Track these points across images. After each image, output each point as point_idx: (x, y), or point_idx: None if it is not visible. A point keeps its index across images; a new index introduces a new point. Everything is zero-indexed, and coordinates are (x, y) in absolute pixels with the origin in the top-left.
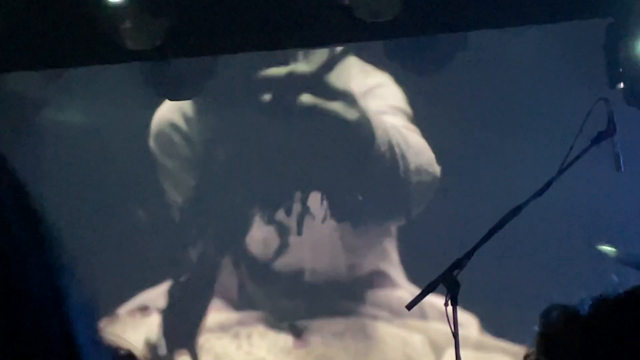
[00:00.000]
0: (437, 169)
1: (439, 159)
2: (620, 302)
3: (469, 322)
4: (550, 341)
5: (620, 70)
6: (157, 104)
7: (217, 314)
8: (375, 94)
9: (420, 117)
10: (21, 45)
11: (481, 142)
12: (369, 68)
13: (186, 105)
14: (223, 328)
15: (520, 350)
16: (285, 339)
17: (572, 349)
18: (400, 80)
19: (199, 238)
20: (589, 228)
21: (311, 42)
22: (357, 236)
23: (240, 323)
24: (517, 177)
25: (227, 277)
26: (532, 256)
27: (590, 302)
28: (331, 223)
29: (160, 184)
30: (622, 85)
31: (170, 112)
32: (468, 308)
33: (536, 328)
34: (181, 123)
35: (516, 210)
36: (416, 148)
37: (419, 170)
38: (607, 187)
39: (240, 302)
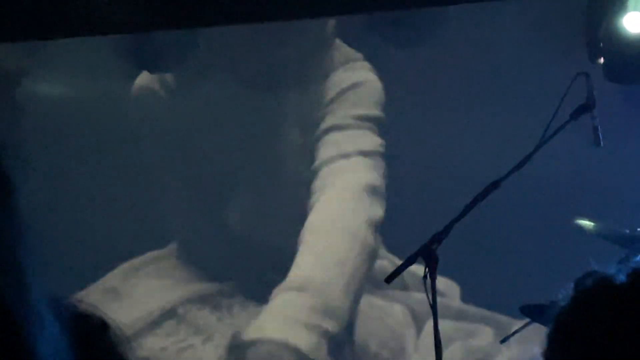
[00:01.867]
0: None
1: (419, 131)
2: None
3: (451, 291)
4: (583, 306)
5: (601, 45)
6: (137, 76)
7: (197, 284)
8: (349, 99)
9: (400, 92)
10: (0, 17)
11: (460, 115)
12: (352, 57)
13: (167, 76)
14: (203, 299)
15: (501, 319)
16: None
17: (605, 315)
18: (380, 54)
19: (180, 208)
20: (568, 201)
21: (292, 15)
22: None
23: (221, 294)
24: (497, 151)
25: (208, 247)
26: (512, 228)
27: (627, 272)
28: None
29: (141, 154)
30: (602, 60)
31: (151, 81)
32: (449, 277)
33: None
34: (162, 93)
35: (495, 184)
36: None
37: None
38: (586, 162)
39: (221, 273)
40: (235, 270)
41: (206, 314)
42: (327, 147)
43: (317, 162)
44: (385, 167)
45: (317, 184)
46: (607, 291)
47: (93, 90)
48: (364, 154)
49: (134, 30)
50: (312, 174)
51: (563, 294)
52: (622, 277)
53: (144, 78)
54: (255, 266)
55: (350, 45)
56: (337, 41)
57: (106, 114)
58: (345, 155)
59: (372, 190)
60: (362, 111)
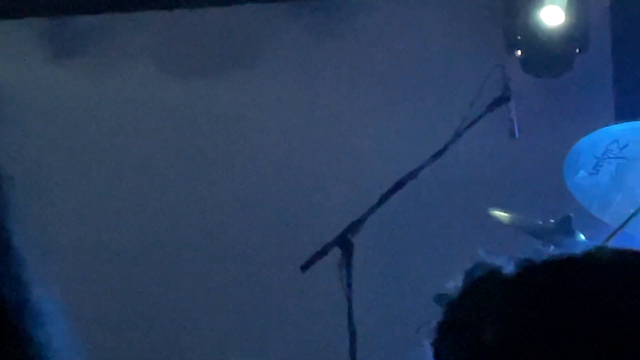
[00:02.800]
0: None
1: (337, 121)
2: (547, 265)
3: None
4: (470, 297)
5: (518, 37)
6: (55, 61)
7: None
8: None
9: (319, 80)
10: None
11: (379, 106)
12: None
13: (84, 63)
14: None
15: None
16: None
17: (491, 306)
18: (301, 44)
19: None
20: (484, 193)
21: (213, 0)
22: None
23: None
24: (414, 142)
25: None
26: (427, 220)
27: (516, 263)
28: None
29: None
30: (519, 52)
31: (68, 69)
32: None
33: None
34: (79, 81)
35: (411, 175)
36: None
37: None
38: (502, 153)
39: None
40: None
41: None
42: None
43: None
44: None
45: None
46: (494, 282)
47: (9, 76)
48: None
49: (53, 13)
50: None
51: (453, 284)
52: (510, 268)
53: (63, 63)
54: None
55: (271, 35)
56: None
57: (23, 100)
58: None
59: None
60: None
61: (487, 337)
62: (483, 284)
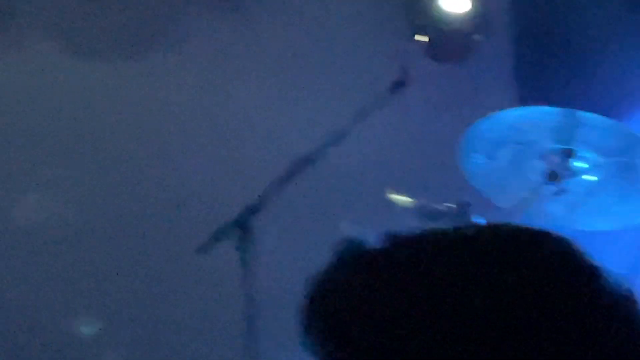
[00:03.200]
0: None
1: (240, 104)
2: (411, 239)
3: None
4: (335, 271)
5: (421, 23)
6: None
7: None
8: None
9: (228, 65)
10: None
11: (282, 90)
12: None
13: None
14: None
15: None
16: None
17: (355, 280)
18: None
19: None
20: (383, 177)
21: None
22: None
23: None
24: (313, 126)
25: None
26: (326, 203)
27: (382, 237)
28: None
29: None
30: (421, 38)
31: None
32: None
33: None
34: None
35: (310, 159)
36: None
37: None
38: (402, 138)
39: None
40: None
41: None
42: None
43: None
44: None
45: None
46: (358, 256)
47: None
48: None
49: None
50: None
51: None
52: (376, 243)
53: None
54: None
55: (180, 16)
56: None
57: None
58: None
59: None
60: None
61: (344, 313)
62: (347, 259)
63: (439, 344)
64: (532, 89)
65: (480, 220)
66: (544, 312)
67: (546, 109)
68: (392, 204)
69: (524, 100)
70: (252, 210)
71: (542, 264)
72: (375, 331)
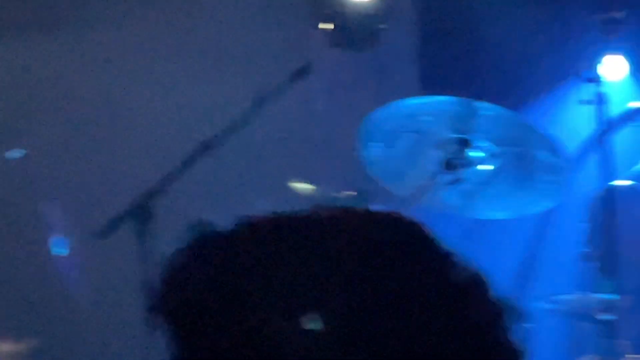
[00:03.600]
0: None
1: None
2: (262, 221)
3: None
4: (180, 256)
5: (325, 10)
6: None
7: None
8: None
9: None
10: None
11: (183, 75)
12: None
13: None
14: None
15: None
16: None
17: (202, 263)
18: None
19: None
20: (285, 164)
21: None
22: None
23: None
24: (216, 111)
25: None
26: (226, 189)
27: (235, 221)
28: None
29: None
30: (326, 25)
31: None
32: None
33: None
34: None
35: (210, 143)
36: None
37: None
38: (303, 125)
39: None
40: None
41: None
42: None
43: None
44: None
45: None
46: (208, 239)
47: None
48: None
49: None
50: None
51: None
52: (225, 226)
53: None
54: None
55: None
56: None
57: None
58: None
59: None
60: None
61: (190, 295)
62: (197, 242)
63: (286, 326)
64: (436, 77)
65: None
66: (394, 295)
67: (444, 98)
68: (292, 191)
69: (425, 90)
70: (152, 194)
71: (392, 248)
72: (222, 313)
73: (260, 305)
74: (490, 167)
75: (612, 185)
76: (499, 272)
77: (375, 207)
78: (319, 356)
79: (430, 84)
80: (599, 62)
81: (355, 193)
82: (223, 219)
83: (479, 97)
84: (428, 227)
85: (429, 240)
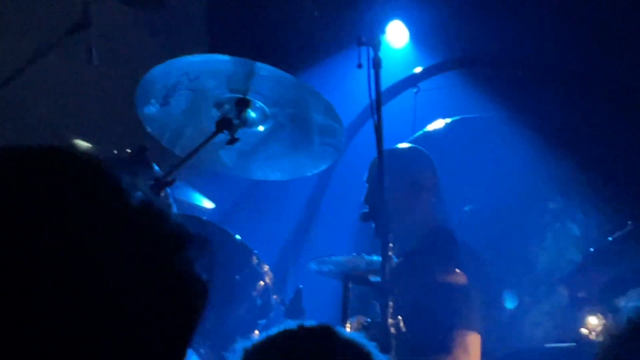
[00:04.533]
0: None
1: None
2: None
3: None
4: None
5: None
6: None
7: None
8: None
9: None
10: None
11: None
12: None
13: None
14: None
15: None
16: None
17: None
18: None
19: None
20: (58, 120)
21: None
22: None
23: None
24: None
25: None
26: None
27: None
28: None
29: None
30: None
31: None
32: None
33: None
34: None
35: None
36: None
37: None
38: (81, 80)
39: None
40: None
41: None
42: None
43: None
44: None
45: None
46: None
47: None
48: None
49: None
50: None
51: None
52: None
53: None
54: None
55: None
56: None
57: None
58: None
59: None
60: None
61: None
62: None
63: None
64: (218, 39)
65: (156, 167)
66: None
67: (222, 57)
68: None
69: (210, 50)
70: None
71: (61, 183)
72: None
73: None
74: (264, 128)
75: (389, 149)
76: (276, 233)
77: (156, 165)
78: None
79: (215, 45)
80: (380, 28)
81: (133, 151)
82: None
83: (260, 58)
84: (105, 161)
85: (104, 174)
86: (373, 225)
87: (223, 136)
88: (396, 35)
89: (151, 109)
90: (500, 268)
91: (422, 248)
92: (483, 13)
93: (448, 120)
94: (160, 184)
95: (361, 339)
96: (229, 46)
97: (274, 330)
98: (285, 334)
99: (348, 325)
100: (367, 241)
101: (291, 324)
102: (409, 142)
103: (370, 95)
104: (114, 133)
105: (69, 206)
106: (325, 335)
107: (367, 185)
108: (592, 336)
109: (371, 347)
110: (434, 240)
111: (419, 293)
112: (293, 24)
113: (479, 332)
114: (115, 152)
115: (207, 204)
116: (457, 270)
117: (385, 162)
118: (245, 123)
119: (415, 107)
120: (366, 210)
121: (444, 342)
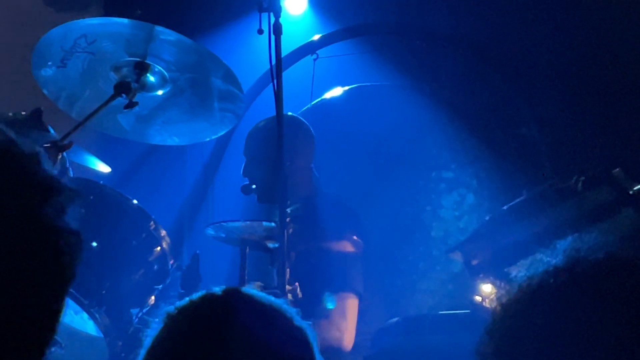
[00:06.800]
0: None
1: None
2: None
3: None
4: None
5: None
6: None
7: None
8: None
9: None
10: None
11: None
12: None
13: None
14: None
15: None
16: None
17: None
18: None
19: None
20: None
21: None
22: None
23: None
24: None
25: None
26: None
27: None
28: None
29: None
30: None
31: None
32: None
33: None
34: None
35: None
36: None
37: None
38: None
39: None
40: None
41: None
42: None
43: None
44: None
45: None
46: None
47: None
48: None
49: None
50: None
51: None
52: None
53: None
54: None
55: None
56: None
57: None
58: None
59: None
60: None
61: None
62: None
63: None
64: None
65: (51, 130)
66: None
67: (122, 20)
68: None
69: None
70: None
71: None
72: None
73: None
74: (166, 93)
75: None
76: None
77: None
78: None
79: (111, 8)
80: None
81: (28, 112)
82: None
83: (159, 21)
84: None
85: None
86: (255, 195)
87: (121, 100)
88: (295, 2)
89: (48, 71)
90: (393, 235)
91: (306, 214)
92: None
93: (346, 88)
94: (56, 147)
95: (286, 304)
96: (123, 8)
97: (197, 295)
98: (207, 298)
99: None
100: (264, 207)
101: (215, 289)
102: (307, 109)
103: (270, 61)
104: (12, 96)
105: None
106: (241, 298)
107: (244, 158)
108: (486, 304)
109: (293, 312)
110: (320, 206)
111: (309, 258)
112: None
113: (357, 295)
114: (10, 114)
115: (104, 168)
116: (355, 237)
117: (263, 132)
118: (144, 87)
119: (313, 75)
120: (246, 182)
121: (323, 306)
